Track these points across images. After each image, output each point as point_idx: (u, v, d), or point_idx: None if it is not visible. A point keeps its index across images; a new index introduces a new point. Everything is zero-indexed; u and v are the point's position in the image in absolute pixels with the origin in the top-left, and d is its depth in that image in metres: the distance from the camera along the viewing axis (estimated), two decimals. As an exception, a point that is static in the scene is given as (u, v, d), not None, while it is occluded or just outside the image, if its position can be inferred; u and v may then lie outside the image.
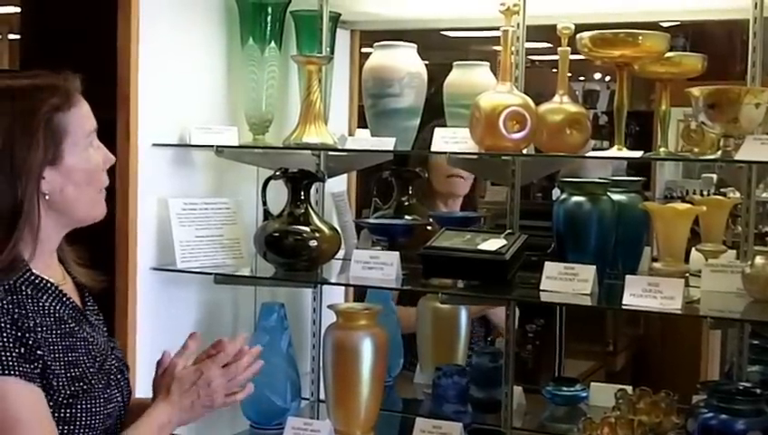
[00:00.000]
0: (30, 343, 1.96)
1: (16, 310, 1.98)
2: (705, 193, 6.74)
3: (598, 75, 7.89)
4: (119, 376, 2.20)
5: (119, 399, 2.15)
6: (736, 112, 2.48)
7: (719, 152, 2.57)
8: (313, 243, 2.93)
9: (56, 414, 2.00)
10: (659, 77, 2.80)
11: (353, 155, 3.20)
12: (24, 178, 2.00)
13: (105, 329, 2.29)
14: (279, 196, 3.04)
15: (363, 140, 3.09)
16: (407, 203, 3.33)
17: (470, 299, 3.09)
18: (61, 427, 2.00)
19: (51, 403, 1.99)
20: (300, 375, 3.22)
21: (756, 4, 2.74)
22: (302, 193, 2.99)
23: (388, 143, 2.92)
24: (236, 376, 2.25)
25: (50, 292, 2.08)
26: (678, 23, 3.70)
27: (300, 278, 3.07)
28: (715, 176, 5.27)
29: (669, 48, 2.71)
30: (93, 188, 2.12)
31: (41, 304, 2.05)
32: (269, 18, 3.17)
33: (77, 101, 2.10)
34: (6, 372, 1.91)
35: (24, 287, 2.03)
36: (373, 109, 3.09)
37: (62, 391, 2.01)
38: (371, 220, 3.26)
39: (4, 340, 1.93)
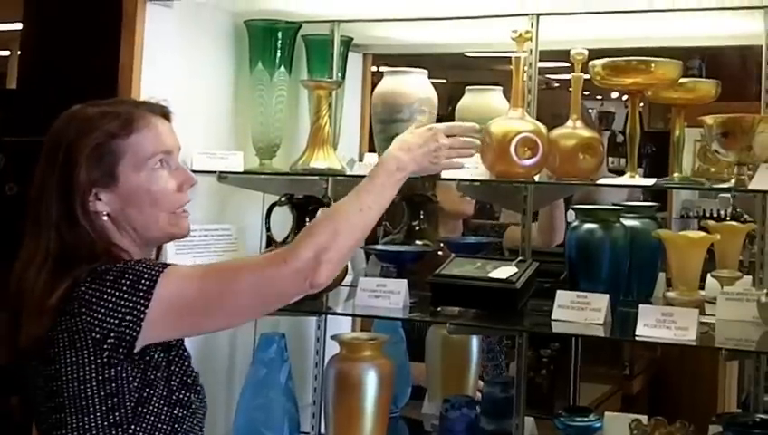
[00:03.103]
0: None
1: None
2: (722, 213, 6.72)
3: (615, 94, 7.88)
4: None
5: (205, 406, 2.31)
6: (750, 140, 2.43)
7: (733, 181, 2.53)
8: (317, 270, 2.88)
9: (169, 411, 2.13)
10: (673, 102, 2.76)
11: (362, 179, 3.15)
12: (72, 195, 2.13)
13: None
14: (287, 221, 3.00)
15: (371, 165, 3.04)
16: (417, 228, 3.29)
17: (479, 329, 3.04)
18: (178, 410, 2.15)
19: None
20: (300, 409, 3.15)
21: (769, 30, 2.71)
22: (308, 219, 2.95)
23: (396, 169, 2.88)
24: (458, 147, 2.44)
25: None
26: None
27: (303, 308, 2.99)
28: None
29: (684, 72, 2.68)
30: (161, 209, 2.21)
31: None
32: (279, 43, 3.14)
33: (141, 126, 2.20)
34: (163, 266, 2.08)
35: None
36: (382, 134, 3.03)
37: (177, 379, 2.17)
38: (379, 247, 3.21)
39: (143, 259, 2.14)
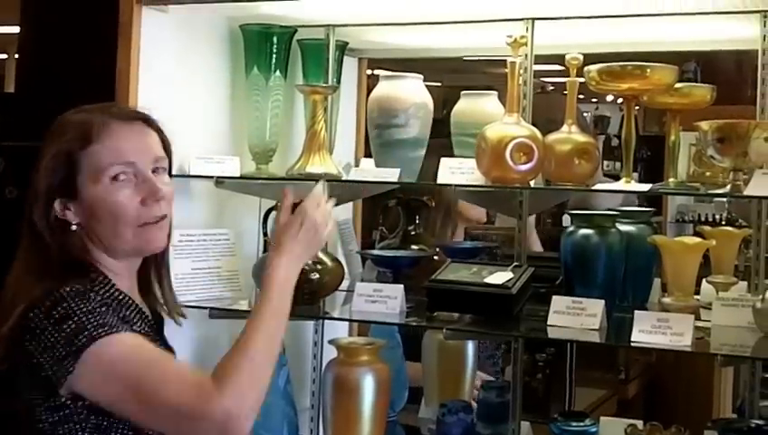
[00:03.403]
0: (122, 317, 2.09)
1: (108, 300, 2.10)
2: (717, 217, 6.72)
3: (610, 97, 7.86)
4: None
5: None
6: (745, 146, 2.43)
7: (729, 186, 2.53)
8: (315, 275, 2.87)
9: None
10: (669, 107, 2.77)
11: (358, 184, 3.15)
12: (34, 203, 2.13)
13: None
14: (283, 226, 3.00)
15: (367, 171, 3.05)
16: (413, 233, 3.28)
17: (475, 335, 3.04)
18: None
19: None
20: (299, 412, 3.16)
21: (765, 36, 2.71)
22: (304, 225, 2.94)
23: (392, 174, 2.88)
24: (327, 212, 2.32)
25: (132, 308, 2.19)
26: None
27: (300, 312, 3.00)
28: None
29: (680, 76, 2.68)
30: (123, 224, 2.14)
31: (121, 315, 2.12)
32: (275, 47, 3.14)
33: (103, 137, 2.13)
34: (108, 331, 1.98)
35: (110, 301, 2.12)
36: (378, 139, 3.05)
37: None
38: (375, 252, 3.21)
39: (98, 309, 2.01)
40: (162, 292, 2.35)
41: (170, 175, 2.30)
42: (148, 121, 2.24)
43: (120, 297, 2.17)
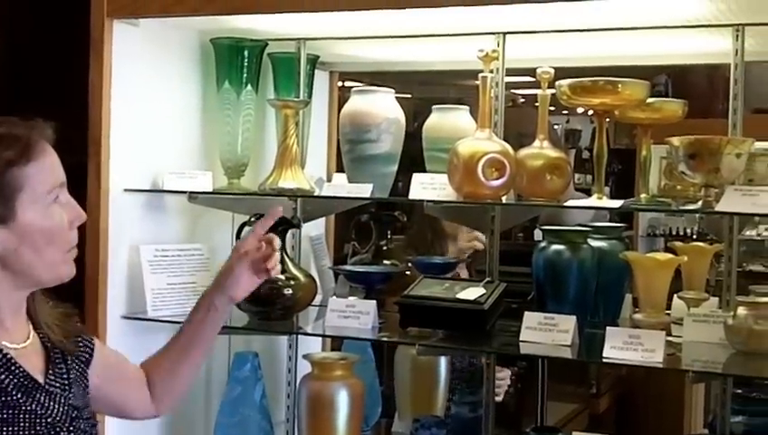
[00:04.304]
0: None
1: None
2: (689, 231, 6.76)
3: (581, 109, 7.87)
4: None
5: None
6: (717, 162, 2.43)
7: (700, 202, 2.53)
8: (288, 291, 2.88)
9: None
10: (640, 123, 2.77)
11: (331, 199, 3.14)
12: None
13: (71, 396, 2.10)
14: (255, 241, 2.99)
15: (340, 186, 3.03)
16: (385, 247, 3.29)
17: (447, 350, 3.04)
18: None
19: None
20: (274, 426, 3.14)
21: (737, 50, 2.71)
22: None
23: (365, 190, 2.87)
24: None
25: None
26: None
27: (275, 328, 3.00)
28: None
29: (650, 91, 2.67)
30: (56, 249, 1.98)
31: None
32: (245, 61, 3.13)
33: (39, 153, 1.96)
34: None
35: None
36: (350, 154, 3.03)
37: None
38: (348, 267, 3.21)
39: None
40: (49, 329, 2.12)
41: None
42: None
43: None
